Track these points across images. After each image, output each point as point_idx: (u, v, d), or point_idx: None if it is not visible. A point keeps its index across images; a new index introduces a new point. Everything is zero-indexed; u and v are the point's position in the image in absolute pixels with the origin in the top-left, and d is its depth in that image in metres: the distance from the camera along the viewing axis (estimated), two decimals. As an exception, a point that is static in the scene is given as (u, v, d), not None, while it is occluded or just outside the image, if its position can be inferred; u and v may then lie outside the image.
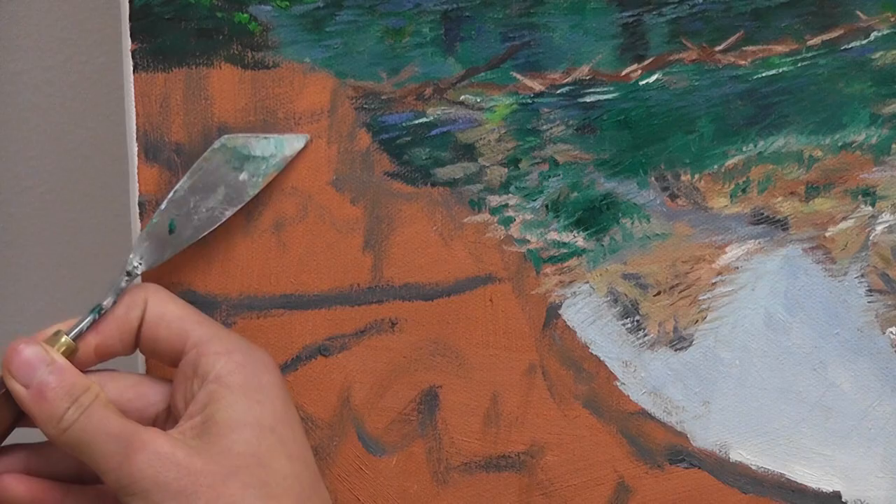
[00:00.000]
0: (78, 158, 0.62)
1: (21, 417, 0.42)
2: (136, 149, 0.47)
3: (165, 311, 0.43)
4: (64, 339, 0.42)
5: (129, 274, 0.44)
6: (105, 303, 0.43)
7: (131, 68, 0.47)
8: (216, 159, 0.46)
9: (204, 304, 0.48)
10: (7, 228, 0.62)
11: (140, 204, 0.47)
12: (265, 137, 0.46)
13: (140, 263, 0.45)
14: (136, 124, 0.47)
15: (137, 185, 0.47)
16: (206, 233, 0.46)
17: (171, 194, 0.45)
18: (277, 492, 0.40)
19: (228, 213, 0.46)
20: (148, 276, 0.47)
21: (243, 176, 0.46)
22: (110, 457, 0.40)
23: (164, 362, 0.44)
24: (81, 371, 0.42)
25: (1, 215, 0.62)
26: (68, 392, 0.41)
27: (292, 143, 0.47)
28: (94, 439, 0.40)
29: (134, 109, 0.47)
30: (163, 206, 0.45)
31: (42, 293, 0.64)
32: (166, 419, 0.44)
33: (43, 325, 0.64)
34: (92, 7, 0.59)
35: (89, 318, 0.43)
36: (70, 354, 0.42)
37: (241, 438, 0.40)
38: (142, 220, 0.47)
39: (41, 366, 0.41)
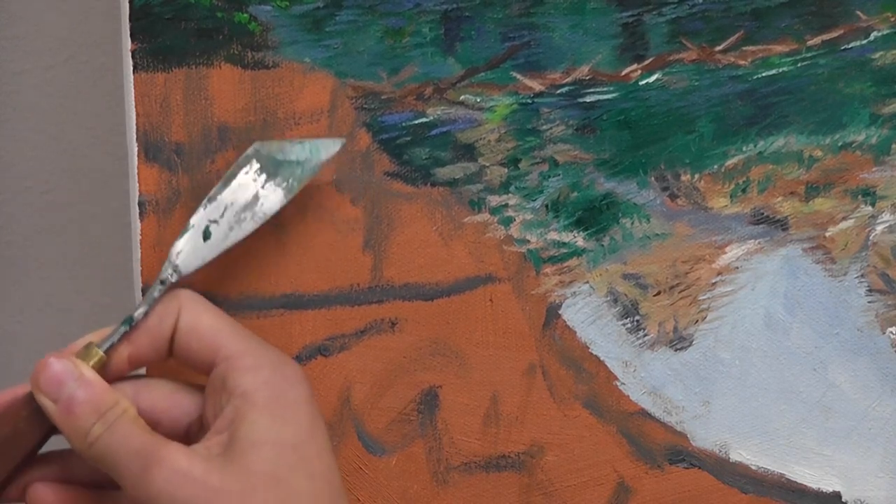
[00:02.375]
0: (78, 158, 0.62)
1: (54, 430, 0.42)
2: (136, 149, 0.47)
3: (198, 323, 0.42)
4: (95, 351, 0.42)
5: (162, 283, 0.44)
6: (137, 313, 0.43)
7: (131, 68, 0.47)
8: (250, 165, 0.45)
9: (204, 304, 0.48)
10: (7, 228, 0.62)
11: (140, 204, 0.47)
12: (300, 142, 0.46)
13: (175, 272, 0.44)
14: (136, 124, 0.47)
15: (137, 185, 0.47)
16: (240, 239, 0.45)
17: (205, 201, 0.45)
18: None
19: (263, 219, 0.45)
20: (147, 276, 0.47)
21: (278, 181, 0.45)
22: (131, 472, 0.39)
23: (197, 372, 0.43)
24: (114, 380, 0.42)
25: (1, 215, 0.62)
26: (95, 407, 0.40)
27: (328, 147, 0.46)
28: (117, 455, 0.40)
29: (134, 109, 0.47)
30: (198, 213, 0.44)
31: (42, 293, 0.64)
32: (199, 429, 0.44)
33: (43, 324, 0.64)
34: (92, 7, 0.59)
35: (121, 330, 0.42)
36: (101, 366, 0.42)
37: (262, 457, 0.40)
38: (142, 220, 0.47)
39: (70, 380, 0.41)
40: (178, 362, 0.44)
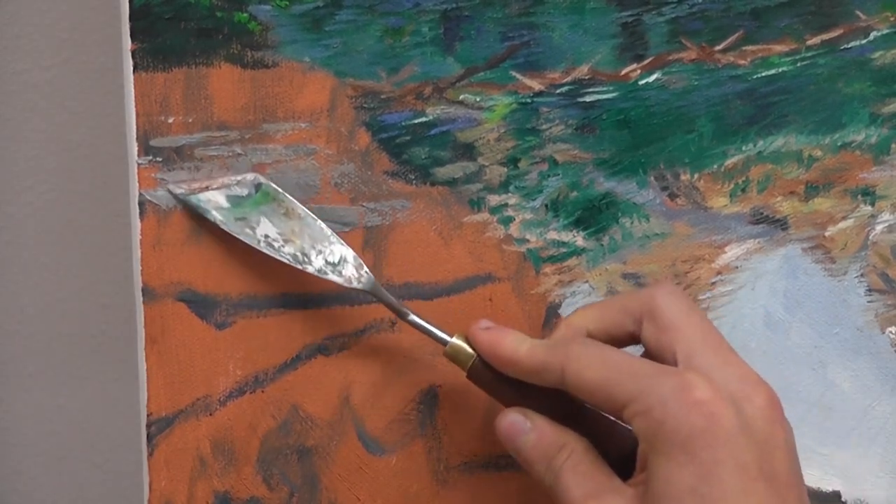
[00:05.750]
0: (78, 158, 0.62)
1: None
2: (136, 149, 0.47)
3: (582, 381, 0.40)
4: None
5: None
6: None
7: (131, 68, 0.47)
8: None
9: (204, 303, 0.48)
10: (7, 228, 0.62)
11: (140, 204, 0.47)
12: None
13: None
14: (136, 124, 0.47)
15: (137, 185, 0.47)
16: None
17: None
18: None
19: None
20: (147, 276, 0.47)
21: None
22: None
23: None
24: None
25: (1, 215, 0.62)
26: (543, 455, 0.41)
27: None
28: (560, 498, 0.40)
29: (134, 109, 0.47)
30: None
31: (42, 293, 0.64)
32: None
33: (43, 324, 0.64)
34: (92, 7, 0.59)
35: None
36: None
37: None
38: (142, 220, 0.47)
39: (521, 433, 0.42)
40: None
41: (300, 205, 0.47)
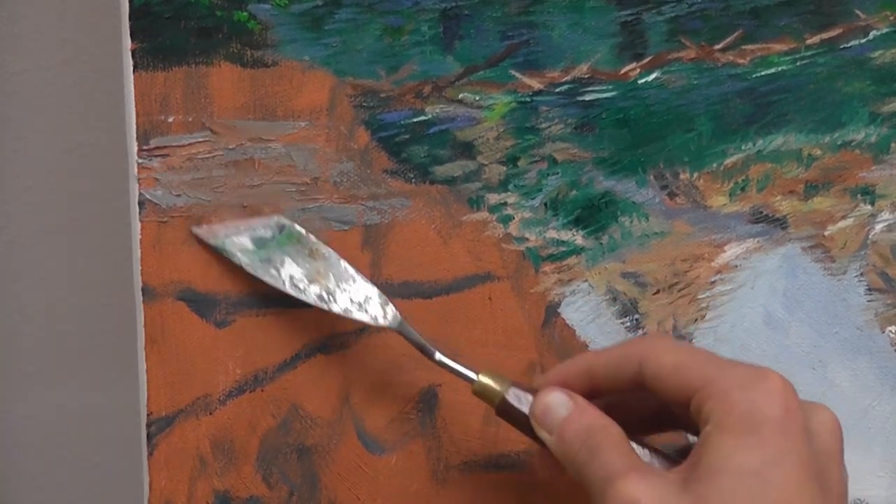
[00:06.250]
0: (78, 158, 0.62)
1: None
2: (135, 148, 0.47)
3: (660, 367, 0.40)
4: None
5: None
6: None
7: (131, 68, 0.47)
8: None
9: (204, 302, 0.48)
10: (7, 228, 0.62)
11: (140, 203, 0.47)
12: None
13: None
14: (136, 123, 0.47)
15: (137, 185, 0.47)
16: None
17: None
18: None
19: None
20: (147, 276, 0.47)
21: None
22: (594, 496, 0.39)
23: (679, 407, 0.41)
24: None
25: (1, 215, 0.62)
26: (583, 432, 0.40)
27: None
28: (590, 480, 0.39)
29: (134, 109, 0.47)
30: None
31: (42, 293, 0.64)
32: None
33: (43, 325, 0.64)
34: (92, 7, 0.59)
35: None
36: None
37: (718, 486, 0.36)
38: (142, 220, 0.47)
39: (560, 410, 0.41)
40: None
41: (324, 244, 0.47)
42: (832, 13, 0.49)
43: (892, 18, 0.50)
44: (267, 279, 0.46)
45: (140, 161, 0.47)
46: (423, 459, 0.49)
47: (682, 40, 0.49)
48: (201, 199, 0.47)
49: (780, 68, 0.49)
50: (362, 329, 0.49)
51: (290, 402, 0.49)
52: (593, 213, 0.50)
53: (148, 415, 0.48)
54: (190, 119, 0.47)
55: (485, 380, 0.44)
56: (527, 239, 0.49)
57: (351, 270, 0.46)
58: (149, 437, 0.48)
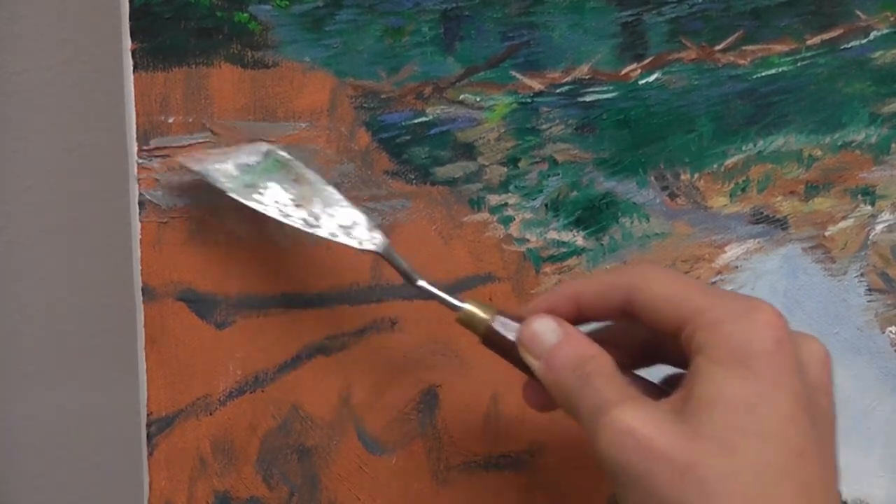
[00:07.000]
0: (78, 158, 0.62)
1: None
2: (135, 148, 0.47)
3: (652, 294, 0.39)
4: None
5: None
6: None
7: (131, 68, 0.47)
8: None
9: (204, 303, 0.48)
10: (7, 228, 0.62)
11: (140, 204, 0.47)
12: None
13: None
14: (136, 124, 0.47)
15: (137, 185, 0.47)
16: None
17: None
18: (733, 485, 0.34)
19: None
20: (147, 276, 0.47)
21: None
22: (587, 428, 0.37)
23: (670, 337, 0.39)
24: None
25: (1, 215, 0.62)
26: (571, 362, 0.39)
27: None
28: (581, 410, 0.38)
29: (134, 109, 0.47)
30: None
31: (42, 293, 0.64)
32: None
33: (43, 325, 0.64)
34: (92, 7, 0.59)
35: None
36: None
37: (711, 419, 0.35)
38: (142, 220, 0.47)
39: (549, 338, 0.40)
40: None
41: (311, 170, 0.46)
42: (833, 14, 0.49)
43: (892, 19, 0.50)
44: (251, 204, 0.45)
45: (140, 161, 0.47)
46: (423, 459, 0.49)
47: (683, 41, 0.49)
48: (201, 199, 0.47)
49: (780, 69, 0.49)
50: (362, 329, 0.49)
51: (291, 403, 0.49)
52: (594, 214, 0.50)
53: (148, 415, 0.48)
54: (190, 120, 0.47)
55: (470, 308, 0.43)
56: (528, 240, 0.49)
57: (337, 195, 0.45)
58: (149, 437, 0.48)
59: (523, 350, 0.41)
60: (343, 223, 0.45)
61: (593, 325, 0.42)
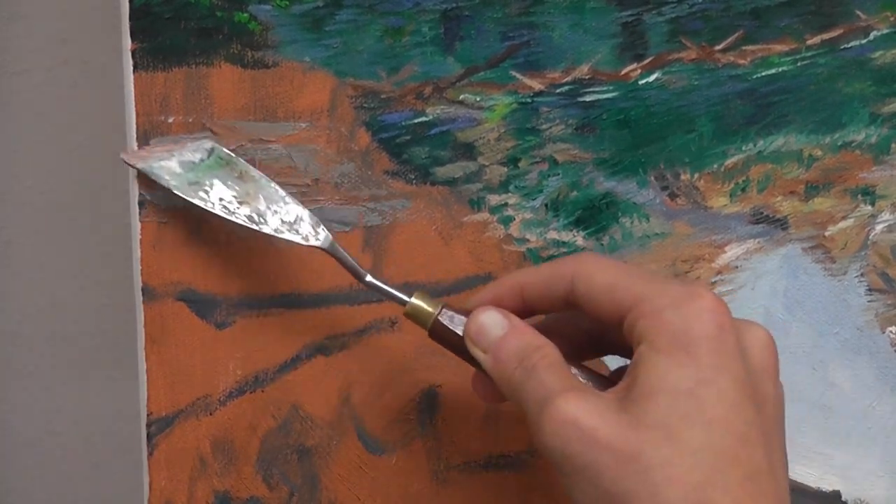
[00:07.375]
0: (78, 158, 0.62)
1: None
2: (136, 148, 0.47)
3: (591, 285, 0.39)
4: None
5: None
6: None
7: (131, 68, 0.47)
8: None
9: (204, 303, 0.48)
10: (7, 228, 0.62)
11: (140, 204, 0.47)
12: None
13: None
14: (136, 124, 0.47)
15: (137, 185, 0.47)
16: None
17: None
18: (678, 472, 0.34)
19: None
20: (147, 276, 0.47)
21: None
22: (531, 420, 0.37)
23: (613, 327, 0.39)
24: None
25: (1, 215, 0.62)
26: (517, 354, 0.39)
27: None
28: (527, 402, 0.38)
29: (134, 109, 0.47)
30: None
31: (42, 293, 0.64)
32: None
33: (43, 324, 0.64)
34: (92, 7, 0.59)
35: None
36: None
37: (654, 407, 0.35)
38: (142, 220, 0.47)
39: (494, 331, 0.40)
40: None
41: (254, 168, 0.46)
42: (833, 14, 0.49)
43: (892, 19, 0.50)
44: (196, 202, 0.45)
45: (140, 161, 0.47)
46: (423, 459, 0.49)
47: (683, 41, 0.49)
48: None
49: (780, 69, 0.49)
50: (362, 329, 0.49)
51: (291, 403, 0.49)
52: (594, 214, 0.50)
53: (148, 415, 0.48)
54: (190, 120, 0.47)
55: (417, 301, 0.43)
56: (528, 240, 0.49)
57: (281, 192, 0.45)
58: (149, 437, 0.48)
59: (470, 343, 0.41)
60: (287, 219, 0.45)
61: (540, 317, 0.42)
